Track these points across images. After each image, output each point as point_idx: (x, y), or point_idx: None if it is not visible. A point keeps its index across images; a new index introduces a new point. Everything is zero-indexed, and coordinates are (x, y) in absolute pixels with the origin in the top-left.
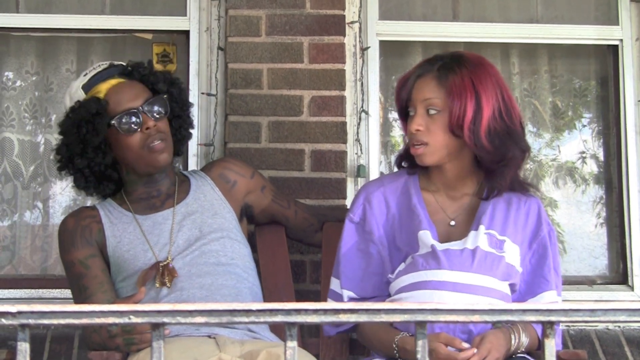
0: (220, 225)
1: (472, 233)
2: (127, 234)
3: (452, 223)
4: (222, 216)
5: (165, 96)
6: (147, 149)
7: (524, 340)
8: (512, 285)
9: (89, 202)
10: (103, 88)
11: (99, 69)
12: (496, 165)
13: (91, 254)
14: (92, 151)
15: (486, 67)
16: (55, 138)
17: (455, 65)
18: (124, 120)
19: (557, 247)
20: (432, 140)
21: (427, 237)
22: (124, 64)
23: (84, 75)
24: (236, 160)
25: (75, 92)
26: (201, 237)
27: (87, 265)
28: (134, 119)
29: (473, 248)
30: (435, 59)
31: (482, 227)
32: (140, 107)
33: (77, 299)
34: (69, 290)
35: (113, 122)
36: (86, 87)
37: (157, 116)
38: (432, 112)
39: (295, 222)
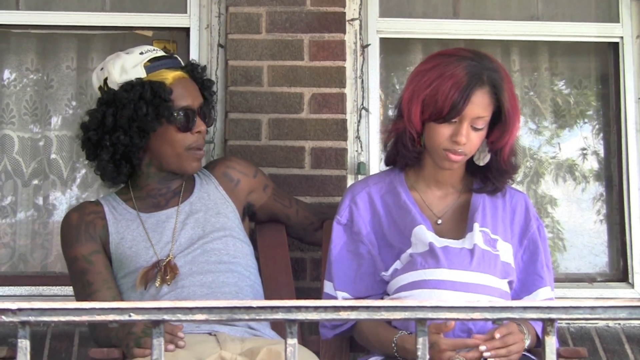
0: (223, 225)
1: (469, 233)
2: (130, 230)
3: (439, 222)
4: (225, 215)
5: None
6: (188, 152)
7: (527, 341)
8: (510, 283)
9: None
10: (169, 76)
11: (157, 54)
12: (503, 174)
13: (95, 250)
14: (137, 131)
15: (510, 78)
16: (79, 115)
17: (501, 81)
18: (184, 116)
19: (547, 242)
20: (469, 151)
21: (423, 233)
22: (178, 57)
23: (140, 54)
24: (239, 159)
25: (132, 68)
26: (204, 236)
27: (90, 261)
28: (192, 118)
29: (471, 247)
30: (477, 67)
31: (476, 225)
32: (198, 109)
33: (80, 295)
34: (70, 287)
35: (174, 114)
36: (148, 68)
37: (208, 122)
38: (478, 127)
39: (296, 221)
